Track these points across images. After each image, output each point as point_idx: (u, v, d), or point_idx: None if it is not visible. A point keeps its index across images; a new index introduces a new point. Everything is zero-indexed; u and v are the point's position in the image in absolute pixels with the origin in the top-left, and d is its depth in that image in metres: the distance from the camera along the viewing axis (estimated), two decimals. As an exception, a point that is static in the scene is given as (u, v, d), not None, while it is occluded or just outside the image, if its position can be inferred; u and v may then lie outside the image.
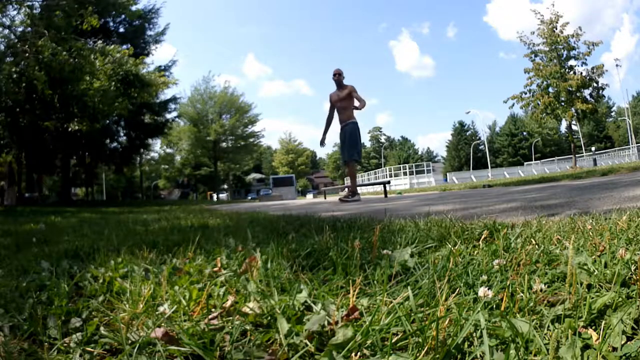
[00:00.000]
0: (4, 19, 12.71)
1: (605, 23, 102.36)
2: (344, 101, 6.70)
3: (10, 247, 2.17)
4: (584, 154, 39.91)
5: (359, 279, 0.84)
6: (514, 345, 0.57)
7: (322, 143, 7.19)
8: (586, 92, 19.63)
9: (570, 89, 19.12)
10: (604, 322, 0.61)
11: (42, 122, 16.85)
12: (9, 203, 19.62)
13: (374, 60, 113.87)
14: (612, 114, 63.30)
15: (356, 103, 6.75)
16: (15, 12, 12.89)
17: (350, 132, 6.63)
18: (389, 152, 71.04)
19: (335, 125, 7.06)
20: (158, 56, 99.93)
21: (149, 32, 23.15)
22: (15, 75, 13.39)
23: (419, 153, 71.49)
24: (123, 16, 20.18)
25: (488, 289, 0.70)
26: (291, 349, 0.63)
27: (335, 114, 6.92)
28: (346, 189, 7.74)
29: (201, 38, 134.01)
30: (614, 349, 0.55)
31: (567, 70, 19.67)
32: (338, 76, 6.74)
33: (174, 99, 26.14)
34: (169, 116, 26.83)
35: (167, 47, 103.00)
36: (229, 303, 0.82)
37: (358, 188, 6.81)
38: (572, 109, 19.50)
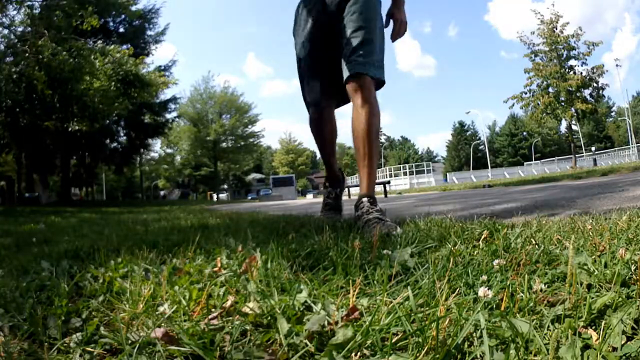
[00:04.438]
0: (4, 19, 12.72)
1: (606, 23, 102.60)
2: None
3: (10, 247, 2.17)
4: (584, 154, 39.94)
5: (359, 279, 0.84)
6: (514, 345, 0.57)
7: None
8: (586, 92, 19.67)
9: (570, 89, 19.14)
10: (604, 322, 0.61)
11: (42, 122, 16.86)
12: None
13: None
14: (612, 114, 63.28)
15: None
16: (15, 12, 12.92)
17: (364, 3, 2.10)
18: (389, 152, 70.95)
19: None
20: (158, 56, 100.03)
21: (149, 32, 23.21)
22: (15, 75, 13.40)
23: (419, 153, 71.54)
24: (123, 16, 20.23)
25: (488, 289, 0.70)
26: (291, 349, 0.63)
27: None
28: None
29: (201, 38, 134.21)
30: (614, 349, 0.55)
31: (567, 70, 19.70)
32: None
33: (173, 99, 26.20)
34: (169, 116, 26.90)
35: (167, 47, 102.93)
36: (229, 303, 0.82)
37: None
38: (572, 109, 19.53)
